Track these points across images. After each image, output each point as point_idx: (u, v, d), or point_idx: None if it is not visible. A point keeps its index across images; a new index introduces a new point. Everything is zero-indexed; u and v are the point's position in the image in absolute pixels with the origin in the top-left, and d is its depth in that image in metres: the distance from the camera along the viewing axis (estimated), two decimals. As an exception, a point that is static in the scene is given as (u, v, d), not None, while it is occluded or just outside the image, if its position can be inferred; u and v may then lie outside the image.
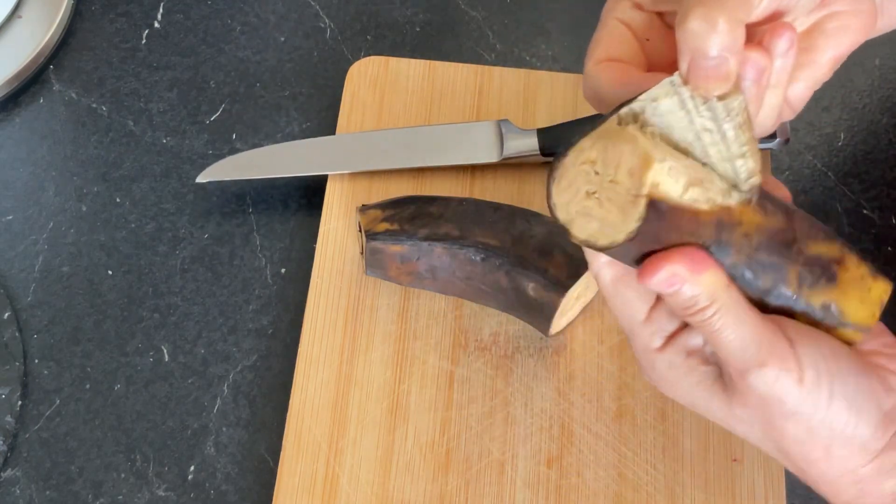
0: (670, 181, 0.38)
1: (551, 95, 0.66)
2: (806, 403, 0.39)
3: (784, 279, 0.41)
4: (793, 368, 0.38)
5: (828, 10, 0.42)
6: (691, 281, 0.38)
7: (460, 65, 0.67)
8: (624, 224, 0.39)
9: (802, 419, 0.39)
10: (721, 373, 0.41)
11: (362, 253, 0.58)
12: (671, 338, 0.41)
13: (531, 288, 0.55)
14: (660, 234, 0.39)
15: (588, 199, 0.40)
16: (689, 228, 0.39)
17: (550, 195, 0.41)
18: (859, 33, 0.43)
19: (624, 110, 0.40)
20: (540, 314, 0.56)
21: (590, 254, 0.43)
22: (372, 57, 0.67)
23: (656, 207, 0.38)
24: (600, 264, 0.42)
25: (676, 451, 0.56)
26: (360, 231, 0.57)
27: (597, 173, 0.40)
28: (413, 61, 0.67)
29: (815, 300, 0.41)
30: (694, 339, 0.41)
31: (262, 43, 0.70)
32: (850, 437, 0.39)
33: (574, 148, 0.40)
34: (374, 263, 0.57)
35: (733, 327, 0.39)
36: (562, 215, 0.41)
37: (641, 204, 0.38)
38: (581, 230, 0.40)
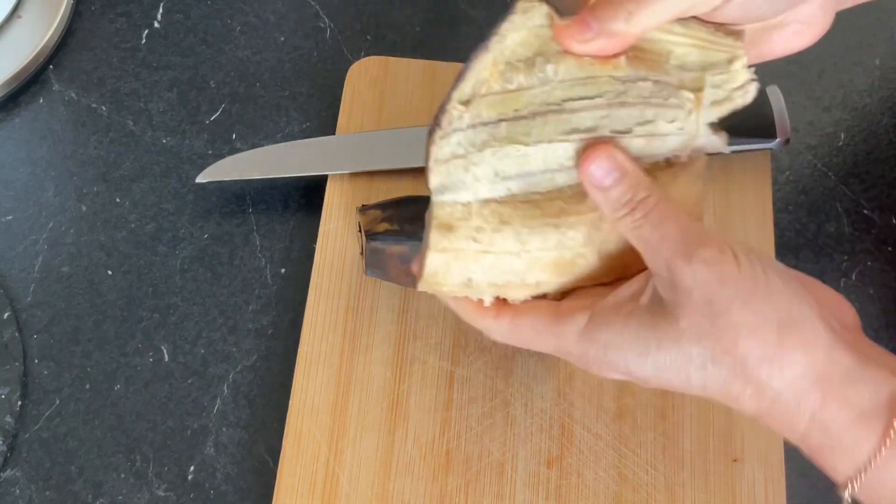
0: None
1: (551, 95, 0.65)
2: (745, 280, 0.39)
3: None
4: (727, 249, 0.39)
5: (788, 23, 0.45)
6: (627, 159, 0.41)
7: (460, 65, 0.66)
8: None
9: (747, 301, 0.39)
10: (654, 305, 0.41)
11: (362, 253, 0.58)
12: (593, 309, 0.42)
13: (531, 288, 0.55)
14: None
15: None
16: None
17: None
18: (811, 40, 0.46)
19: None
20: (540, 314, 0.56)
21: (482, 314, 0.46)
22: (372, 57, 0.67)
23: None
24: (496, 321, 0.45)
25: (676, 451, 0.56)
26: (360, 231, 0.57)
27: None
28: (413, 61, 0.67)
29: None
30: (620, 293, 0.43)
31: (262, 43, 0.70)
32: (797, 318, 0.39)
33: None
34: (374, 263, 0.57)
35: (672, 218, 0.40)
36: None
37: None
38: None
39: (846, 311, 0.42)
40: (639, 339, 0.41)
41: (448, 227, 0.43)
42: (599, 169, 0.41)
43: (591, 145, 0.41)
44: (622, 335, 0.41)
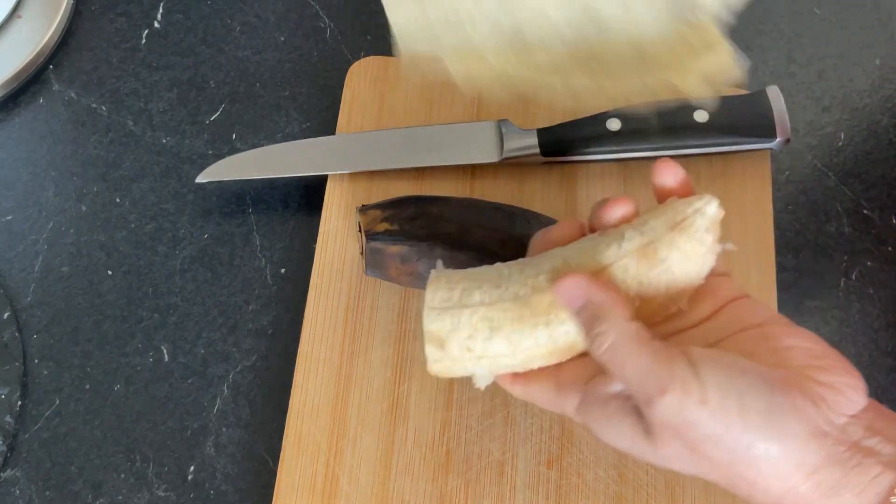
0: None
1: (551, 95, 0.65)
2: (716, 423, 0.38)
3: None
4: (694, 391, 0.38)
5: None
6: (594, 288, 0.41)
7: (460, 65, 0.67)
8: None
9: (718, 440, 0.38)
10: (635, 408, 0.41)
11: (362, 253, 0.58)
12: (585, 390, 0.43)
13: (531, 288, 0.55)
14: None
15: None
16: None
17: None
18: None
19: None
20: (540, 314, 0.56)
21: (499, 379, 0.47)
22: (372, 57, 0.67)
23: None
24: (510, 388, 0.46)
25: (676, 452, 0.56)
26: (360, 231, 0.57)
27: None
28: (413, 61, 0.67)
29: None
30: (608, 386, 0.42)
31: (262, 43, 0.70)
32: (777, 453, 0.38)
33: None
34: (374, 263, 0.57)
35: (633, 357, 0.39)
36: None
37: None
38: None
39: (850, 384, 0.40)
40: (621, 440, 0.42)
41: (440, 342, 0.44)
42: (565, 293, 0.42)
43: (560, 281, 0.42)
44: (608, 429, 0.42)
